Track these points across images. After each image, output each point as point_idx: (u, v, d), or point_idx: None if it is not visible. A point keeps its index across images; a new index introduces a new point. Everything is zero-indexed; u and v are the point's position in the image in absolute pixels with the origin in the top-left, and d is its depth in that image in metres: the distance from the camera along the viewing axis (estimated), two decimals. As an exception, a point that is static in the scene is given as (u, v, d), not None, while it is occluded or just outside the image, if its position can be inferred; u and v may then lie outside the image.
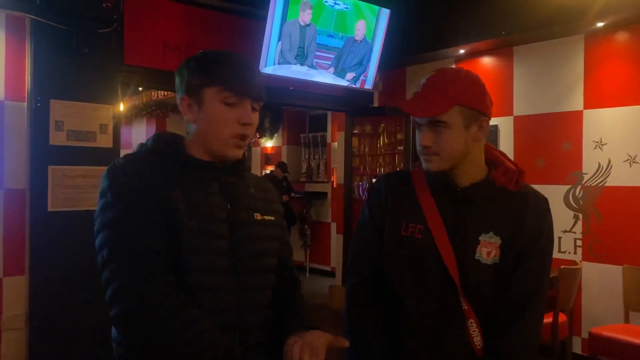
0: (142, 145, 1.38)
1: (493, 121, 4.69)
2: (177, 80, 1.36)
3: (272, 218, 1.42)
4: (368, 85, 4.91)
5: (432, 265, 1.39)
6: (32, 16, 3.38)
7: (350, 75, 4.70)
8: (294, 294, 1.49)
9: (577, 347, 4.17)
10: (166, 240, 1.20)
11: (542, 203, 1.46)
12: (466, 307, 1.37)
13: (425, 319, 1.40)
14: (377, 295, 1.49)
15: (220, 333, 1.19)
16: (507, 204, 1.42)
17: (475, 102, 1.39)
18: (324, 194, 8.10)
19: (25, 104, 3.42)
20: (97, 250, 1.20)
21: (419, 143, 1.42)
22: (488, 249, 1.38)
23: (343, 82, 4.74)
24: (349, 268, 1.56)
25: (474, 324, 1.37)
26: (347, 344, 1.33)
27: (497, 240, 1.38)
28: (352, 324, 1.50)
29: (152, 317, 1.14)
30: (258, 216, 1.38)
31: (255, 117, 1.33)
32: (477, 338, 1.38)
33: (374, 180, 5.31)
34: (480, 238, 1.39)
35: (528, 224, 1.41)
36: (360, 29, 4.59)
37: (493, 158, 1.48)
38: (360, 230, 1.55)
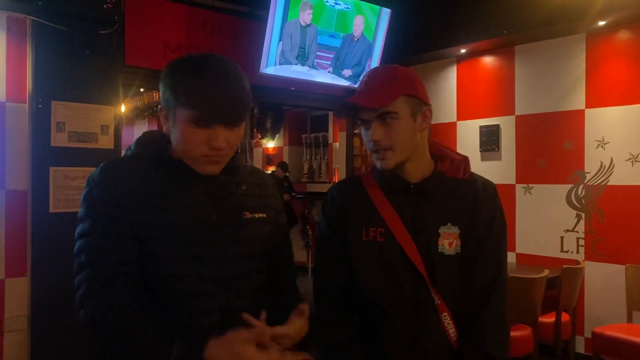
0: (128, 149, 1.37)
1: (495, 120, 4.72)
2: (160, 88, 1.32)
3: (264, 215, 1.39)
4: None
5: (400, 265, 1.40)
6: (33, 17, 3.38)
7: (347, 72, 4.68)
8: (289, 294, 1.48)
9: (580, 347, 4.16)
10: (133, 251, 1.23)
11: (490, 188, 1.49)
12: (439, 302, 1.39)
13: (402, 320, 1.40)
14: (348, 307, 1.48)
15: (170, 344, 1.16)
16: (460, 193, 1.45)
17: (419, 91, 1.42)
18: (326, 195, 8.08)
19: (27, 105, 3.42)
20: (74, 257, 1.26)
21: (368, 140, 1.42)
22: (449, 239, 1.40)
23: (344, 82, 4.73)
24: (316, 284, 1.53)
25: (447, 317, 1.39)
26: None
27: (455, 230, 1.41)
28: (328, 343, 1.47)
29: (108, 323, 1.19)
30: (248, 215, 1.35)
31: (233, 136, 1.26)
32: (451, 330, 1.40)
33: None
34: (439, 230, 1.41)
35: (482, 209, 1.44)
36: (358, 25, 4.57)
37: (437, 151, 1.51)
38: (322, 242, 1.53)
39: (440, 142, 1.56)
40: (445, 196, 1.44)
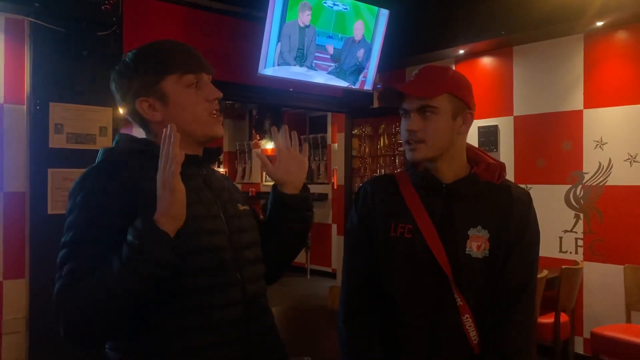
0: (108, 150, 1.30)
1: (493, 121, 4.72)
2: (120, 89, 1.29)
3: (247, 207, 1.41)
4: (368, 86, 4.91)
5: (424, 263, 1.40)
6: (31, 19, 3.38)
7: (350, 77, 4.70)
8: None
9: (579, 347, 4.16)
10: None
11: (525, 195, 1.49)
12: (461, 303, 1.38)
13: (422, 318, 1.40)
14: (372, 300, 1.48)
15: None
16: (492, 197, 1.44)
17: (464, 94, 1.43)
18: (325, 196, 8.09)
19: (25, 106, 3.42)
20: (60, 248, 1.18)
21: (404, 129, 1.43)
22: (477, 242, 1.40)
23: (343, 83, 4.73)
24: (343, 275, 1.54)
25: (469, 319, 1.38)
26: None
27: (485, 234, 1.40)
28: (349, 334, 1.48)
29: (78, 300, 1.10)
30: (240, 207, 1.38)
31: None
32: (473, 333, 1.39)
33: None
34: (469, 232, 1.40)
35: (514, 215, 1.43)
36: (358, 29, 4.59)
37: (473, 155, 1.51)
38: (350, 235, 1.55)
39: (479, 148, 1.56)
40: (478, 199, 1.43)
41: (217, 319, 1.22)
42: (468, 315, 1.38)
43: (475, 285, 1.39)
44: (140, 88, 1.26)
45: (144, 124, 1.32)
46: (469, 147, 1.52)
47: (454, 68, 5.05)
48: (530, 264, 1.45)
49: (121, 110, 1.33)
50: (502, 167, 1.48)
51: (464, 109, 1.43)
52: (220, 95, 1.29)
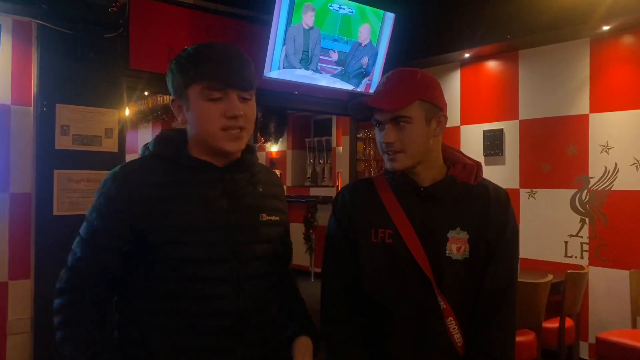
0: (145, 147, 1.37)
1: (498, 125, 4.72)
2: (167, 83, 1.34)
3: (278, 218, 1.40)
4: (373, 90, 4.90)
5: (406, 267, 1.40)
6: (38, 21, 3.40)
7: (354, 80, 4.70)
8: (294, 296, 1.52)
9: (584, 353, 4.13)
10: (114, 266, 1.28)
11: (503, 195, 1.49)
12: (444, 306, 1.39)
13: (406, 322, 1.41)
14: (354, 306, 1.48)
15: None
16: (470, 198, 1.45)
17: (435, 97, 1.43)
18: (329, 199, 8.09)
19: (32, 108, 3.44)
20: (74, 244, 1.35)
21: (381, 142, 1.43)
22: (457, 244, 1.40)
23: (348, 86, 4.74)
24: (322, 282, 1.54)
25: (453, 322, 1.39)
26: None
27: (464, 235, 1.40)
28: (331, 340, 1.48)
29: (62, 325, 1.37)
30: (264, 217, 1.36)
31: (247, 108, 1.29)
32: (457, 335, 1.40)
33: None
34: (448, 235, 1.40)
35: (493, 215, 1.44)
36: (364, 33, 4.59)
37: (450, 156, 1.51)
38: (330, 242, 1.54)
39: (455, 148, 1.56)
40: (456, 201, 1.43)
41: (206, 327, 1.25)
42: (452, 318, 1.39)
43: (457, 287, 1.40)
44: (174, 89, 1.31)
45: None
46: (445, 147, 1.52)
47: (458, 72, 5.06)
48: (510, 264, 1.45)
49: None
50: (478, 166, 1.49)
51: (437, 112, 1.43)
52: (239, 113, 1.26)
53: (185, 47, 1.33)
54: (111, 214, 1.26)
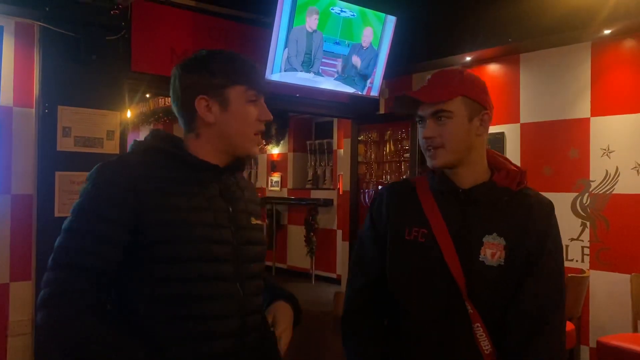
0: (138, 142, 1.34)
1: (499, 128, 4.71)
2: (182, 81, 1.31)
3: (259, 222, 1.42)
4: (374, 92, 4.91)
5: (436, 268, 1.37)
6: (41, 23, 3.41)
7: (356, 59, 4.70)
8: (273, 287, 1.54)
9: (585, 356, 4.13)
10: (116, 259, 1.18)
11: (545, 204, 1.45)
12: (471, 311, 1.34)
13: (430, 324, 1.38)
14: (375, 303, 1.48)
15: None
16: (510, 204, 1.41)
17: (479, 95, 1.41)
18: (330, 201, 8.09)
19: (34, 110, 3.45)
20: (54, 250, 1.23)
21: (422, 137, 1.41)
22: (492, 250, 1.36)
23: (349, 89, 4.74)
24: (348, 276, 1.55)
25: (480, 328, 1.34)
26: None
27: (501, 242, 1.37)
28: (348, 330, 1.49)
29: (58, 333, 1.14)
30: (254, 220, 1.38)
31: None
32: (484, 342, 1.35)
33: (379, 187, 5.31)
34: (484, 239, 1.37)
35: (533, 224, 1.39)
36: (367, 36, 4.60)
37: (495, 161, 1.48)
38: (361, 239, 1.55)
39: (504, 156, 1.53)
40: (495, 206, 1.40)
41: (212, 329, 1.22)
42: (479, 324, 1.34)
43: (488, 293, 1.36)
44: (206, 87, 1.29)
45: (192, 120, 1.32)
46: (492, 153, 1.49)
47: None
48: (555, 280, 1.38)
49: (175, 101, 1.34)
50: (522, 174, 1.45)
51: (480, 110, 1.41)
52: (271, 118, 1.34)
53: (206, 50, 1.34)
54: (110, 199, 1.19)
